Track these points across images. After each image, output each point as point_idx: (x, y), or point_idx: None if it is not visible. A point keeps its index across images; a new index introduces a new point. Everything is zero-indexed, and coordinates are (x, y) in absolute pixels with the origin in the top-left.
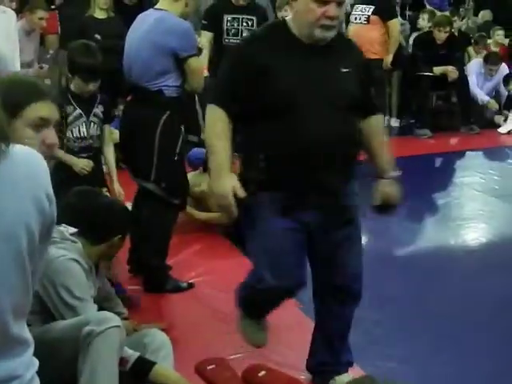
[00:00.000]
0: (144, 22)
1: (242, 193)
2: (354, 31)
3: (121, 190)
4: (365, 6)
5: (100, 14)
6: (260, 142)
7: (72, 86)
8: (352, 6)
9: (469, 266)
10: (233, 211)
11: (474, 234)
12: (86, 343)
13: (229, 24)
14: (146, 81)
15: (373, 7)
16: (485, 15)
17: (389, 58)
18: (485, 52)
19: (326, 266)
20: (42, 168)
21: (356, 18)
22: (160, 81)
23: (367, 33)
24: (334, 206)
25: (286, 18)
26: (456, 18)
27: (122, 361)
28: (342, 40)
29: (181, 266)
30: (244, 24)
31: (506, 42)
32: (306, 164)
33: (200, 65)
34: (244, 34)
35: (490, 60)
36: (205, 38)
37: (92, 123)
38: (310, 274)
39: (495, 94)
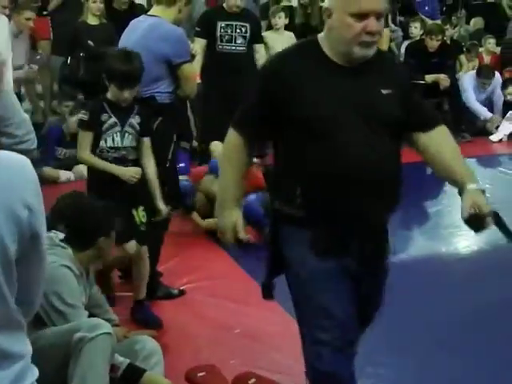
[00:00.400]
0: (137, 29)
1: (243, 235)
2: None
3: (164, 207)
4: None
5: (92, 20)
6: (295, 172)
7: (108, 94)
8: None
9: (461, 273)
10: (230, 245)
11: (466, 241)
12: (77, 349)
13: (222, 31)
14: (140, 87)
15: None
16: (476, 23)
17: None
18: (476, 60)
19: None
20: (22, 176)
21: None
22: (152, 87)
23: None
24: (378, 242)
25: (318, 36)
26: (448, 26)
27: (113, 367)
28: (382, 57)
29: (172, 273)
30: (237, 31)
31: (498, 50)
32: (347, 194)
33: (193, 71)
34: (238, 41)
35: (483, 74)
36: (198, 45)
37: (127, 133)
38: None
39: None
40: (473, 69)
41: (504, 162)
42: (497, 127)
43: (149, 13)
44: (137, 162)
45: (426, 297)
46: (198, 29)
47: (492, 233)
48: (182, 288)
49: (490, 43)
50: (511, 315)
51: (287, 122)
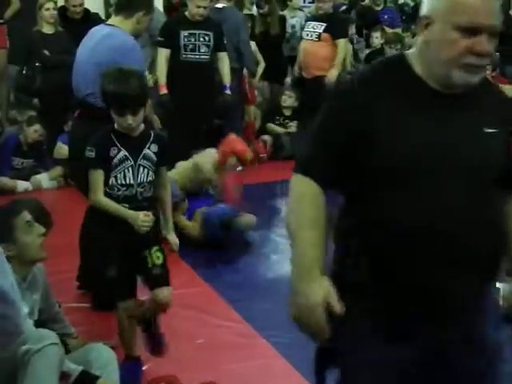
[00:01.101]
0: (92, 38)
1: (339, 307)
2: (304, 47)
3: (177, 240)
4: (317, 23)
5: (48, 29)
6: (361, 226)
7: (115, 125)
8: (305, 21)
9: None
10: (324, 330)
11: None
12: (24, 362)
13: (186, 40)
14: (94, 97)
15: (324, 25)
16: None
17: (331, 75)
18: None
19: None
20: None
21: (308, 35)
22: None
23: (318, 50)
24: (464, 329)
25: (408, 52)
26: (407, 34)
27: (65, 375)
28: (487, 86)
29: None
30: (201, 39)
31: None
32: (430, 264)
33: None
34: (202, 50)
35: None
36: (161, 55)
37: (141, 167)
38: None
39: None
40: None
41: None
42: None
43: (107, 22)
44: (152, 200)
45: None
46: (160, 39)
47: None
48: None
49: None
50: None
51: (362, 161)
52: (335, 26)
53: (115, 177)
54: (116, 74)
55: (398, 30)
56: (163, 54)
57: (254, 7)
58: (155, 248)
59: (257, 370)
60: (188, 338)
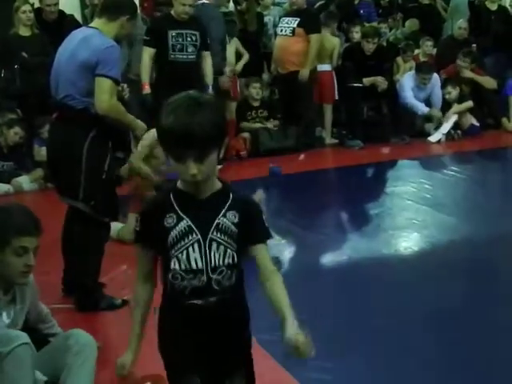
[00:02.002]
0: (73, 40)
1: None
2: (279, 43)
3: None
4: (291, 18)
5: (24, 32)
6: None
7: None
8: (280, 18)
9: (402, 274)
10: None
11: (407, 243)
12: None
13: (174, 40)
14: (72, 98)
15: (298, 19)
16: (412, 25)
17: (304, 71)
18: (413, 61)
19: None
20: None
21: (282, 30)
22: (86, 99)
23: (292, 45)
24: None
25: None
26: (384, 28)
27: None
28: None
29: (115, 283)
30: (188, 39)
31: (434, 51)
32: None
33: (107, 89)
34: (189, 50)
35: (424, 69)
36: (146, 54)
37: (214, 244)
38: None
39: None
40: (410, 70)
41: (442, 163)
42: (436, 128)
43: (90, 24)
44: (237, 292)
45: (366, 298)
46: (146, 38)
47: (432, 235)
48: (125, 298)
49: (428, 45)
50: (450, 314)
51: None
52: (309, 21)
53: (177, 258)
54: (181, 102)
55: (374, 24)
56: (148, 52)
57: (231, 4)
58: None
59: None
60: None
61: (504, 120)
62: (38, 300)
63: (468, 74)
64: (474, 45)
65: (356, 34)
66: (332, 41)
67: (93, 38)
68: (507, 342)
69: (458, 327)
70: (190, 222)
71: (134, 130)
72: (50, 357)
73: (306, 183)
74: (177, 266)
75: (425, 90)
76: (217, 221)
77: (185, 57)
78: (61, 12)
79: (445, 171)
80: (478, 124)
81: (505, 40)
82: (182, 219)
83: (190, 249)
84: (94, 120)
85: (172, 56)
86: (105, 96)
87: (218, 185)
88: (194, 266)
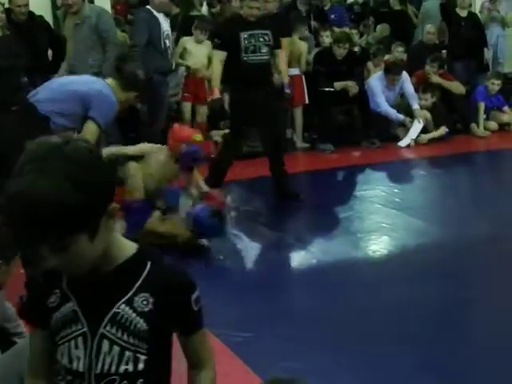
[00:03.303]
0: (84, 76)
1: None
2: None
3: None
4: None
5: None
6: None
7: None
8: None
9: (371, 277)
10: None
11: (376, 246)
12: None
13: (246, 42)
14: (41, 104)
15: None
16: (383, 30)
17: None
18: (383, 65)
19: None
20: None
21: None
22: (55, 114)
23: None
24: None
25: None
26: (355, 34)
27: None
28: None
29: None
30: (261, 39)
31: (405, 57)
32: None
33: (94, 136)
34: (263, 50)
35: (393, 70)
36: (217, 58)
37: (107, 342)
38: None
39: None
40: None
41: (412, 167)
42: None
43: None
44: None
45: (334, 299)
46: (217, 41)
47: (401, 238)
48: None
49: (399, 51)
50: (420, 316)
51: None
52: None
53: (59, 350)
54: (31, 156)
55: (346, 29)
56: (219, 56)
57: (204, 7)
58: None
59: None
60: None
61: (473, 125)
62: (4, 299)
63: (436, 79)
64: (445, 51)
65: (326, 38)
66: (300, 45)
67: (102, 86)
68: (471, 342)
69: (425, 328)
70: (75, 306)
71: None
72: (15, 359)
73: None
74: (60, 359)
75: (393, 90)
76: (114, 310)
77: (258, 57)
78: (31, 13)
79: (414, 175)
80: (447, 130)
81: (475, 46)
82: (68, 300)
83: (73, 343)
84: (48, 132)
85: (245, 58)
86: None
87: (127, 251)
88: (74, 366)
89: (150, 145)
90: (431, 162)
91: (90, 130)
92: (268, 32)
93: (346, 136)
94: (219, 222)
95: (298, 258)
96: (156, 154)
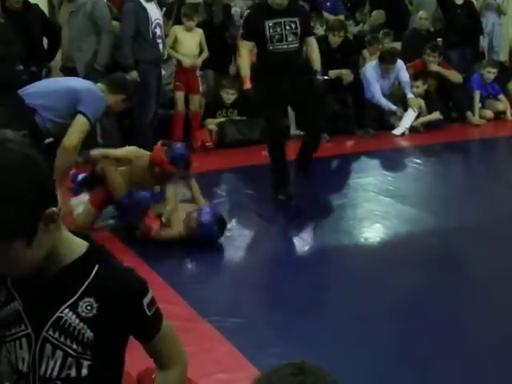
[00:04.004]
0: (78, 79)
1: None
2: None
3: None
4: None
5: None
6: None
7: None
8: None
9: (363, 264)
10: None
11: (369, 233)
12: None
13: (271, 30)
14: (31, 99)
15: None
16: (378, 17)
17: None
18: (378, 53)
19: None
20: None
21: None
22: (43, 109)
23: None
24: None
25: None
26: (351, 22)
27: None
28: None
29: None
30: (287, 27)
31: (398, 45)
32: None
33: (81, 129)
34: (289, 39)
35: (387, 59)
36: (244, 48)
37: (49, 346)
38: None
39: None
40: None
41: (406, 155)
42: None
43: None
44: None
45: (327, 287)
46: (243, 31)
47: (394, 226)
48: None
49: (386, 41)
50: (412, 306)
51: None
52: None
53: (6, 348)
54: None
55: (341, 17)
56: (246, 46)
57: None
58: None
59: (200, 353)
60: None
61: (468, 113)
62: None
63: (435, 67)
64: (440, 39)
65: (317, 29)
66: None
67: (92, 85)
68: (463, 327)
69: (417, 314)
70: (19, 307)
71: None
72: None
73: (268, 175)
74: (8, 356)
75: (388, 78)
76: (58, 314)
77: (285, 47)
78: (26, 1)
79: (408, 164)
80: (441, 117)
81: (470, 34)
82: (13, 299)
83: (18, 343)
84: (33, 125)
85: (271, 47)
86: (78, 134)
87: (76, 252)
88: (20, 366)
89: (136, 148)
90: (426, 151)
91: (80, 123)
92: (295, 19)
93: (340, 124)
94: (219, 230)
95: (291, 246)
96: (140, 158)
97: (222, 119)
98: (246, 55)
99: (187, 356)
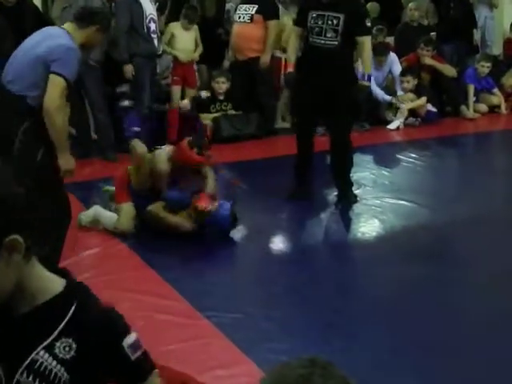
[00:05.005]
0: (41, 34)
1: None
2: (237, 30)
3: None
4: (248, 5)
5: None
6: None
7: None
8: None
9: (360, 259)
10: None
11: (365, 228)
12: None
13: (313, 22)
14: (14, 85)
15: (256, 6)
16: (372, 10)
17: (264, 58)
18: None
19: None
20: None
21: (240, 17)
22: (27, 90)
23: (250, 31)
24: None
25: None
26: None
27: None
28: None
29: (73, 268)
30: (329, 22)
31: (392, 40)
32: None
33: (59, 88)
34: (328, 35)
35: (378, 51)
36: (294, 34)
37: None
38: None
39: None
40: None
41: (401, 149)
42: (395, 114)
43: (62, 26)
44: None
45: (324, 281)
46: (295, 17)
47: (390, 220)
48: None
49: (380, 38)
50: (408, 297)
51: None
52: (266, 7)
53: None
54: None
55: None
56: (295, 32)
57: None
58: None
59: (198, 349)
60: (129, 319)
61: (463, 108)
62: None
63: (429, 61)
64: (434, 33)
65: None
66: (289, 27)
67: (58, 37)
68: (458, 321)
69: (413, 308)
70: None
71: (58, 151)
72: None
73: (266, 169)
74: None
75: (381, 70)
76: (32, 356)
77: (322, 42)
78: None
79: (403, 158)
80: (435, 110)
81: (463, 27)
82: None
83: None
84: (28, 111)
85: (311, 39)
86: (56, 94)
87: (51, 290)
88: None
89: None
90: (420, 145)
91: (54, 84)
92: (340, 16)
93: None
94: (232, 223)
95: (286, 241)
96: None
97: (217, 114)
98: (293, 40)
99: (186, 352)
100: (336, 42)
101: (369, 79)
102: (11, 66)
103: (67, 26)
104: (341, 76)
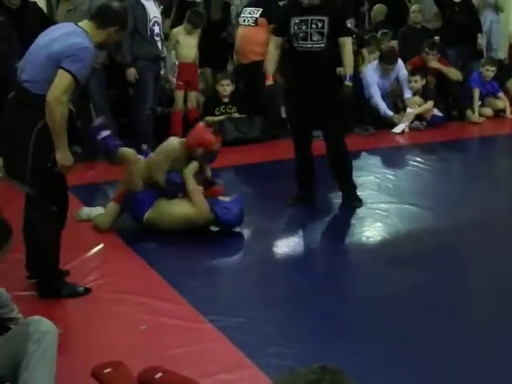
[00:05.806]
0: (57, 30)
1: None
2: (242, 33)
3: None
4: (253, 8)
5: None
6: None
7: None
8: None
9: (364, 263)
10: None
11: (369, 232)
12: None
13: (296, 28)
14: (31, 84)
15: (261, 10)
16: (378, 13)
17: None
18: (377, 52)
19: None
20: None
21: (244, 20)
22: (44, 88)
23: (255, 35)
24: None
25: None
26: (351, 20)
27: None
28: None
29: (77, 271)
30: (313, 26)
31: (395, 43)
32: None
33: (64, 84)
34: (314, 38)
35: (387, 59)
36: (272, 44)
37: None
38: None
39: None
40: (374, 60)
41: (406, 154)
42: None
43: (80, 23)
44: None
45: (327, 286)
46: (273, 26)
47: (394, 224)
48: (87, 286)
49: (385, 42)
50: (412, 302)
51: None
52: (271, 11)
53: None
54: None
55: None
56: (273, 42)
57: None
58: None
59: (202, 353)
60: (132, 323)
61: (468, 112)
62: None
63: (435, 64)
64: (438, 37)
65: None
66: None
67: (74, 36)
68: (462, 326)
69: (417, 314)
70: None
71: (56, 145)
72: (8, 344)
73: (270, 173)
74: None
75: (388, 78)
76: None
77: (309, 45)
78: None
79: (408, 162)
80: (440, 114)
81: (468, 32)
82: None
83: None
84: (43, 109)
85: (295, 45)
86: (60, 87)
87: None
88: None
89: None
90: (425, 149)
91: (61, 78)
92: (324, 18)
93: None
94: (239, 218)
95: (290, 244)
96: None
97: (221, 117)
98: (272, 50)
99: (189, 356)
100: (322, 45)
101: (350, 79)
102: (26, 62)
103: (84, 24)
104: (328, 77)
